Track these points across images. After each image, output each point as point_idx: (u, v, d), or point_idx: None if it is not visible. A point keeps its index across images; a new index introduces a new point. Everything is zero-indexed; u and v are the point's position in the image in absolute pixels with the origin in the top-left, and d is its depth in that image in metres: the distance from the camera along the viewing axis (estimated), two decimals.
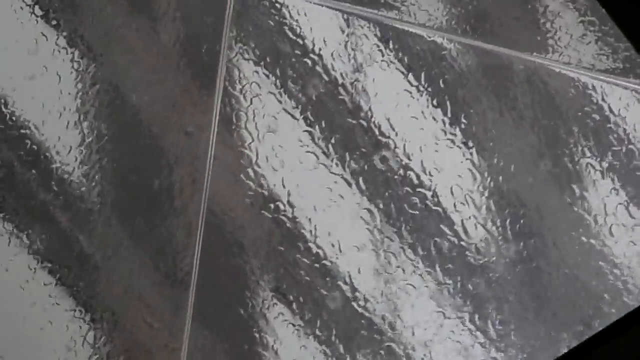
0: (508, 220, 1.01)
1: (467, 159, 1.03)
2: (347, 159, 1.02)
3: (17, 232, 0.99)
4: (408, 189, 1.02)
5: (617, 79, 1.04)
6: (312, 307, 0.99)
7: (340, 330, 0.99)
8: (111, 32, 1.03)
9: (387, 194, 1.01)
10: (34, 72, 1.01)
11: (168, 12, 1.04)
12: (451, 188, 1.02)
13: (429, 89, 1.04)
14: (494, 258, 1.00)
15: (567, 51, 1.04)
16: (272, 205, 1.01)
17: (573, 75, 1.04)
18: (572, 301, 0.99)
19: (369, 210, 1.01)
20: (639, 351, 1.03)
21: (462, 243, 1.00)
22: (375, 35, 1.04)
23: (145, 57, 1.03)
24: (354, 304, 0.99)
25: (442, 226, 1.01)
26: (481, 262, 1.00)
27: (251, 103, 1.03)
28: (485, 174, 1.02)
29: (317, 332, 0.98)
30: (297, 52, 1.04)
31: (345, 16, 1.05)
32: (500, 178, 1.02)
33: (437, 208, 1.01)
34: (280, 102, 1.02)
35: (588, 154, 1.02)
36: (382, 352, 0.98)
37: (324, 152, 1.02)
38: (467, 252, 1.00)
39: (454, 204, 1.01)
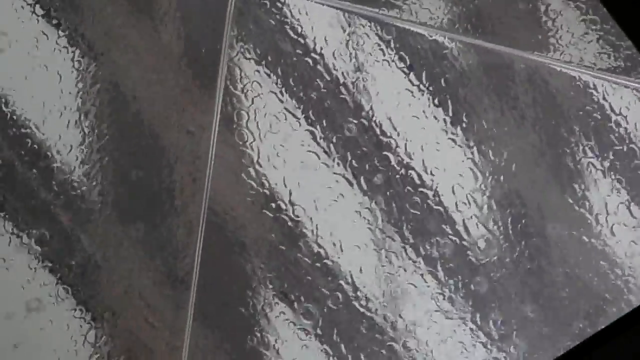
0: (509, 220, 1.01)
1: (468, 158, 1.03)
2: (349, 158, 1.02)
3: (18, 232, 0.99)
4: (409, 188, 1.01)
5: (618, 78, 1.04)
6: (314, 306, 0.99)
7: (342, 329, 0.98)
8: (112, 31, 1.03)
9: (388, 193, 1.01)
10: (34, 72, 1.01)
11: (169, 11, 1.04)
12: (452, 187, 1.02)
13: (430, 88, 1.03)
14: (495, 258, 1.00)
15: (569, 50, 1.04)
16: (273, 205, 1.00)
17: (574, 74, 1.04)
18: (574, 301, 0.99)
19: (371, 210, 1.01)
20: (639, 351, 1.03)
21: (464, 242, 1.00)
22: (377, 34, 1.04)
23: (146, 56, 1.02)
24: (355, 303, 0.99)
25: (443, 226, 1.01)
26: (482, 261, 1.00)
27: (252, 102, 1.02)
28: (487, 173, 1.02)
29: (319, 332, 0.98)
30: (299, 51, 1.04)
31: (346, 15, 1.05)
32: (502, 177, 1.02)
33: (439, 207, 1.01)
34: (281, 101, 1.02)
35: (589, 153, 1.02)
36: (383, 351, 0.98)
37: (325, 152, 1.02)
38: (468, 252, 1.00)
39: (456, 204, 1.01)
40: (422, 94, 1.03)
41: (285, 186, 1.01)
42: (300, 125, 1.02)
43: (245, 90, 1.03)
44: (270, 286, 0.99)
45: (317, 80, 1.03)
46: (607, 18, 1.03)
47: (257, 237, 1.00)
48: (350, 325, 0.98)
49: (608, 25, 1.03)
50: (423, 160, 1.02)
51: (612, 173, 1.01)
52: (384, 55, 1.03)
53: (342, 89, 1.03)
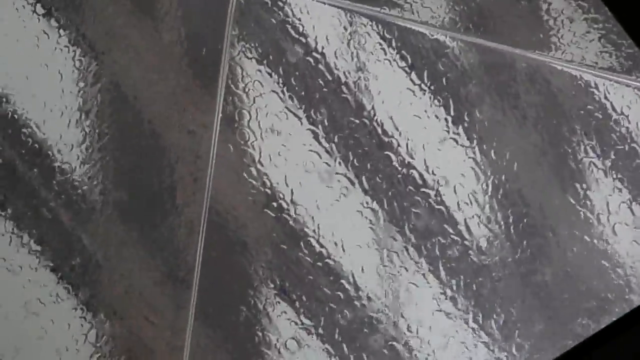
0: (511, 219, 1.01)
1: (470, 157, 1.02)
2: (350, 157, 1.02)
3: (19, 231, 0.99)
4: (411, 187, 1.01)
5: (620, 77, 1.04)
6: (316, 305, 0.98)
7: (344, 329, 0.98)
8: (113, 30, 1.03)
9: (390, 192, 1.01)
10: (35, 71, 1.01)
11: (170, 10, 1.04)
12: (454, 187, 1.02)
13: (432, 88, 1.03)
14: (497, 257, 1.00)
15: (570, 49, 1.04)
16: (275, 204, 1.00)
17: (575, 73, 1.04)
18: (575, 300, 0.99)
19: (372, 209, 1.01)
20: (639, 351, 1.03)
21: (466, 242, 1.00)
22: (378, 33, 1.04)
23: (146, 56, 1.02)
24: (357, 303, 0.99)
25: (445, 225, 1.01)
26: (484, 261, 1.00)
27: (254, 102, 1.02)
28: (488, 173, 1.02)
29: (320, 331, 0.98)
30: (300, 50, 1.04)
31: (347, 14, 1.05)
32: (503, 177, 1.02)
33: (441, 207, 1.01)
34: (282, 100, 1.02)
35: (591, 152, 1.02)
36: (385, 351, 0.98)
37: (326, 151, 1.02)
38: (470, 252, 1.00)
39: (457, 203, 1.01)
40: (424, 94, 1.03)
41: (287, 185, 1.01)
42: (301, 124, 1.02)
43: (246, 90, 1.02)
44: (272, 285, 0.98)
45: (319, 79, 1.03)
46: (608, 17, 1.03)
47: (259, 236, 0.99)
48: (352, 325, 0.98)
49: (610, 24, 1.03)
50: (425, 160, 1.02)
51: (613, 172, 1.01)
52: (386, 54, 1.03)
53: (344, 88, 1.03)
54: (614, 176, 1.01)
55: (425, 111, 1.02)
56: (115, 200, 0.99)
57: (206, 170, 1.01)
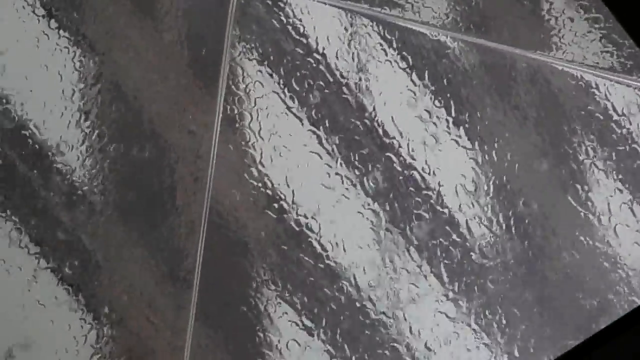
0: (512, 220, 1.01)
1: (471, 158, 1.02)
2: (352, 158, 1.02)
3: (19, 232, 0.98)
4: (412, 189, 1.01)
5: (621, 77, 1.04)
6: (317, 307, 0.98)
7: (345, 330, 0.98)
8: (113, 31, 1.03)
9: (391, 194, 1.01)
10: (35, 72, 1.01)
11: (170, 10, 1.04)
12: (455, 188, 1.01)
13: (433, 88, 1.03)
14: (499, 259, 1.00)
15: (571, 49, 1.04)
16: (276, 205, 1.00)
17: (576, 73, 1.04)
18: (576, 301, 0.99)
19: (373, 211, 1.00)
20: (639, 351, 1.03)
21: (467, 244, 1.00)
22: (379, 33, 1.04)
23: (147, 56, 1.02)
24: (359, 304, 0.98)
25: (446, 226, 1.00)
26: (485, 262, 1.00)
27: (255, 102, 1.02)
28: (489, 174, 1.02)
29: (322, 332, 0.98)
30: (301, 51, 1.04)
31: (348, 14, 1.05)
32: (504, 178, 1.02)
33: (442, 208, 1.01)
34: (284, 101, 1.02)
35: (591, 153, 1.02)
36: (386, 352, 0.97)
37: (328, 152, 1.02)
38: (471, 253, 1.00)
39: (459, 205, 1.01)
40: (425, 94, 1.03)
41: (288, 186, 1.00)
42: (302, 125, 1.02)
43: (247, 90, 1.02)
44: (273, 286, 0.98)
45: (320, 80, 1.03)
46: (609, 16, 1.03)
47: (260, 237, 0.99)
48: (353, 326, 0.98)
49: (611, 24, 1.04)
50: (426, 160, 1.02)
51: (614, 173, 1.01)
52: (386, 55, 1.03)
53: (345, 89, 1.03)
54: (615, 177, 1.01)
55: (427, 112, 1.02)
56: (116, 200, 0.99)
57: (207, 170, 1.01)
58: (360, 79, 1.02)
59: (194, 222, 0.99)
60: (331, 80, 1.02)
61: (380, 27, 1.04)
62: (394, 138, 1.02)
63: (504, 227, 1.00)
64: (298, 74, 1.02)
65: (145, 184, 1.00)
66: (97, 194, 0.99)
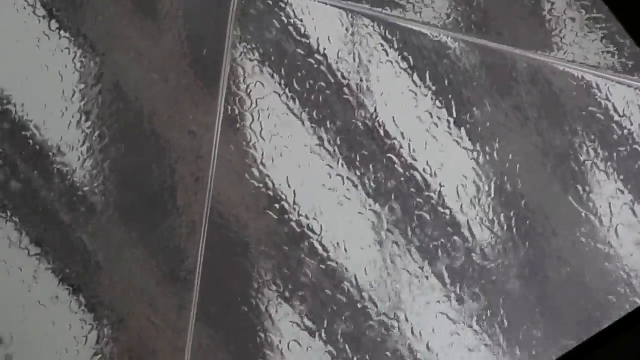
0: (513, 221, 1.00)
1: (472, 159, 1.02)
2: (353, 159, 1.02)
3: (19, 233, 0.98)
4: (413, 190, 1.01)
5: (622, 77, 1.04)
6: (318, 307, 0.98)
7: (346, 331, 0.98)
8: (114, 31, 1.03)
9: (392, 194, 1.01)
10: (35, 72, 1.01)
11: (171, 11, 1.04)
12: (456, 188, 1.01)
13: (434, 88, 1.03)
14: (500, 259, 1.00)
15: (572, 49, 1.04)
16: (277, 205, 1.00)
17: (577, 73, 1.04)
18: (578, 302, 0.98)
19: (375, 211, 1.00)
20: (639, 351, 1.03)
21: (468, 245, 1.00)
22: (380, 34, 1.04)
23: (148, 56, 1.02)
24: (360, 305, 0.98)
25: (448, 227, 1.00)
26: (487, 263, 0.99)
27: (256, 103, 1.02)
28: (491, 175, 1.02)
29: (323, 333, 0.97)
30: (302, 51, 1.04)
31: (349, 15, 1.05)
32: (505, 178, 1.02)
33: (443, 209, 1.01)
34: (284, 102, 1.02)
35: (592, 153, 1.02)
36: (388, 353, 0.97)
37: (329, 152, 1.02)
38: (472, 254, 1.00)
39: (460, 205, 1.01)
40: (425, 95, 1.03)
41: (289, 187, 1.00)
42: (303, 125, 1.02)
43: (248, 91, 1.02)
44: (274, 287, 0.98)
45: (321, 81, 1.03)
46: (610, 17, 1.03)
47: (261, 237, 0.99)
48: (354, 327, 0.98)
49: (611, 24, 1.04)
50: (427, 161, 1.01)
51: (615, 174, 1.01)
52: (387, 55, 1.03)
53: (346, 90, 1.03)
54: (616, 178, 1.01)
55: (428, 112, 1.02)
56: (116, 201, 0.99)
57: (207, 170, 1.00)
58: (361, 80, 1.02)
59: (195, 223, 0.98)
60: (332, 80, 1.02)
61: (381, 28, 1.04)
62: (395, 139, 1.02)
63: (505, 227, 1.00)
64: (299, 74, 1.02)
65: (146, 184, 0.99)
66: (98, 194, 0.99)
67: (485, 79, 1.03)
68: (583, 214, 1.00)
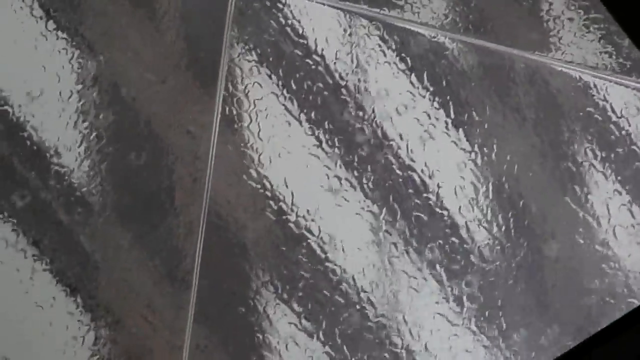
0: (511, 222, 1.00)
1: (470, 160, 1.02)
2: (351, 160, 1.02)
3: (17, 234, 0.98)
4: (411, 191, 1.01)
5: (619, 78, 1.04)
6: (316, 308, 0.98)
7: (344, 332, 0.97)
8: (112, 31, 1.03)
9: (390, 195, 1.01)
10: (33, 73, 1.01)
11: (169, 11, 1.04)
12: (455, 189, 1.01)
13: (432, 89, 1.03)
14: (498, 261, 1.00)
15: (570, 49, 1.04)
16: (275, 206, 1.00)
17: (574, 74, 1.04)
18: (576, 302, 0.98)
19: (373, 212, 1.00)
20: (638, 351, 1.03)
21: (466, 246, 1.00)
22: (378, 35, 1.04)
23: (146, 56, 1.02)
24: (358, 306, 0.98)
25: (446, 229, 1.00)
26: (485, 264, 0.99)
27: (254, 104, 1.02)
28: (489, 176, 1.02)
29: (321, 334, 0.97)
30: (300, 52, 1.04)
31: (347, 15, 1.05)
32: (503, 179, 1.02)
33: (441, 210, 1.01)
34: (282, 103, 1.02)
35: (590, 154, 1.02)
36: (386, 354, 0.97)
37: (327, 154, 1.02)
38: (470, 255, 0.99)
39: (458, 207, 1.01)
40: (423, 96, 1.03)
41: (287, 187, 1.00)
42: (301, 126, 1.01)
43: (246, 91, 1.02)
44: (272, 288, 0.98)
45: (319, 82, 1.03)
46: (609, 17, 1.03)
47: (258, 238, 0.99)
48: (353, 328, 0.97)
49: (609, 25, 1.04)
50: (425, 162, 1.01)
51: (613, 175, 1.01)
52: (385, 56, 1.03)
53: (344, 91, 1.03)
54: (614, 179, 1.01)
55: (426, 113, 1.02)
56: (114, 201, 0.99)
57: (205, 171, 1.00)
58: (359, 80, 1.02)
59: (193, 223, 0.98)
60: (330, 81, 1.02)
61: (379, 28, 1.04)
62: (393, 140, 1.02)
63: (503, 229, 1.00)
64: (297, 75, 1.02)
65: (144, 184, 0.99)
66: (95, 195, 0.99)
67: (483, 80, 1.03)
68: (581, 215, 1.00)
